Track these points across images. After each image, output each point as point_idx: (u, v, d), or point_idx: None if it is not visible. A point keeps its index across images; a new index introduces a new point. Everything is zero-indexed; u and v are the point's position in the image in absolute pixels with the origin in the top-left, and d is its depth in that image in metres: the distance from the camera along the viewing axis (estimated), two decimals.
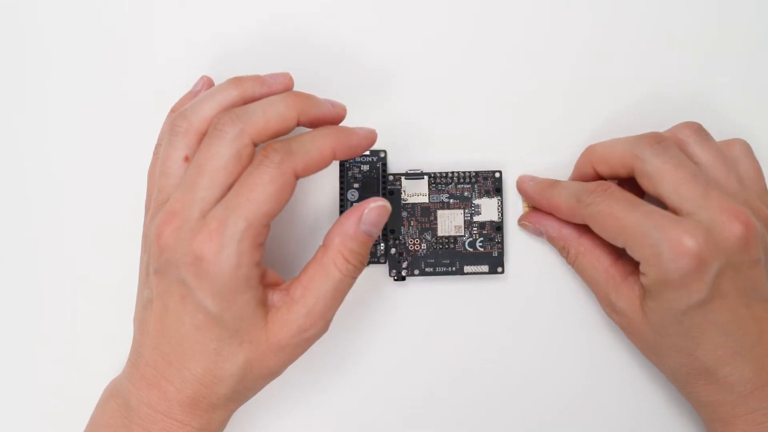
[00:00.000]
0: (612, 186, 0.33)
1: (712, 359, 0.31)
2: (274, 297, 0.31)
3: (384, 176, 0.37)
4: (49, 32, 0.40)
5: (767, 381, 0.31)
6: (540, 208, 0.37)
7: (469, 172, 0.37)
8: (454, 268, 0.37)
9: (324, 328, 0.31)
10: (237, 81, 0.32)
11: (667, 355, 0.33)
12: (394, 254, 0.37)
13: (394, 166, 0.38)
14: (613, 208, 0.32)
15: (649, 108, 0.38)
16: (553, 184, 0.36)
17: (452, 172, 0.37)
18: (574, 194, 0.34)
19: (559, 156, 0.38)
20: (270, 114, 0.30)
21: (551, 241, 0.37)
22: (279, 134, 0.31)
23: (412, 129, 0.39)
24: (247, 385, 0.31)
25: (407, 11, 0.39)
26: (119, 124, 0.39)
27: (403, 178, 0.37)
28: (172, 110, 0.36)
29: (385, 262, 0.37)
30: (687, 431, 0.37)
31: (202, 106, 0.31)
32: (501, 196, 0.37)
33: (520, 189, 0.38)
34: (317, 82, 0.39)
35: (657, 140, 0.32)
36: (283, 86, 0.33)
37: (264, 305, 0.30)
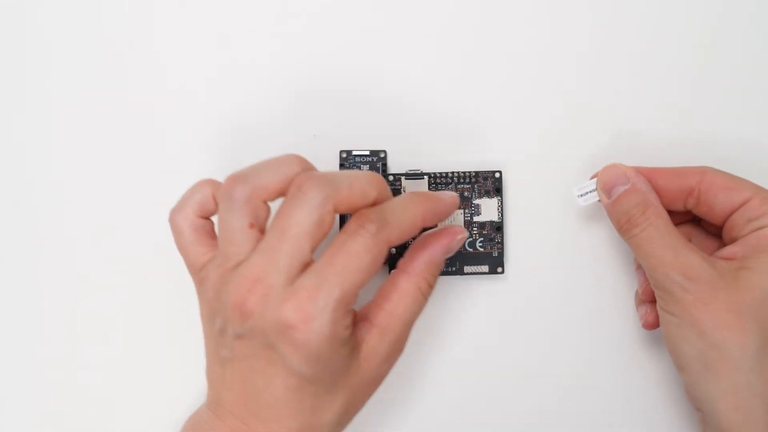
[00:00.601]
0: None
1: None
2: (360, 333, 0.31)
3: (384, 176, 0.37)
4: (49, 33, 0.40)
5: None
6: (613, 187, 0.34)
7: (469, 172, 0.37)
8: (454, 268, 0.37)
9: (402, 352, 0.32)
10: (300, 158, 0.31)
11: (759, 321, 0.30)
12: (395, 254, 0.37)
13: (394, 166, 0.38)
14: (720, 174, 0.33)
15: (649, 107, 0.38)
16: (636, 171, 0.34)
17: (452, 172, 0.37)
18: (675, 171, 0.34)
19: (560, 156, 0.38)
20: (355, 186, 0.30)
21: (630, 194, 0.33)
22: (358, 208, 0.30)
23: (412, 129, 0.39)
24: (343, 425, 0.32)
25: (408, 10, 0.39)
26: (120, 124, 0.39)
27: (403, 178, 0.37)
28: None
29: (385, 263, 0.37)
30: (686, 429, 0.37)
31: (263, 174, 0.30)
32: (501, 196, 0.37)
33: (637, 172, 0.34)
34: (317, 82, 0.39)
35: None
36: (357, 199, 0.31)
37: (356, 348, 0.30)
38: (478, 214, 0.37)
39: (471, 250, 0.37)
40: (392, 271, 0.32)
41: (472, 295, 0.38)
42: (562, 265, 0.38)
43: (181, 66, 0.39)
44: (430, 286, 0.32)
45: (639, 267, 0.36)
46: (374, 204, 0.30)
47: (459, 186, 0.37)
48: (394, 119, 0.39)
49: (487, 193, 0.37)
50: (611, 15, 0.39)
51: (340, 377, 0.30)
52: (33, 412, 0.38)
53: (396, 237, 0.30)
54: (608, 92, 0.39)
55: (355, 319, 0.31)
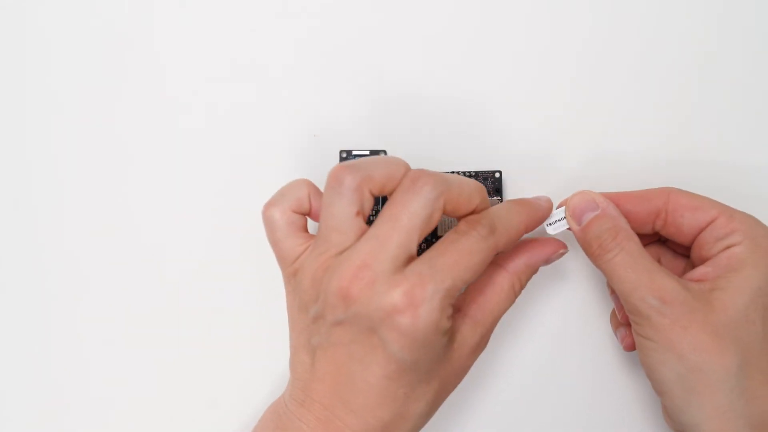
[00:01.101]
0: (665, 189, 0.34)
1: None
2: (455, 324, 0.31)
3: None
4: (49, 32, 0.40)
5: None
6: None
7: (469, 172, 0.37)
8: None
9: (486, 344, 0.33)
10: (407, 163, 0.32)
11: (738, 344, 0.30)
12: None
13: None
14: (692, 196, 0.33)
15: (650, 107, 0.38)
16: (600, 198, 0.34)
17: (452, 172, 0.37)
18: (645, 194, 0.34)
19: (560, 156, 0.38)
20: (464, 190, 0.30)
21: (598, 221, 0.33)
22: (463, 213, 0.31)
23: (412, 129, 0.39)
24: (430, 416, 0.32)
25: (408, 11, 0.39)
26: (119, 123, 0.39)
27: None
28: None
29: None
30: None
31: (373, 167, 0.31)
32: (501, 196, 0.37)
33: (603, 198, 0.33)
34: (317, 82, 0.39)
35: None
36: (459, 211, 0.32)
37: (451, 338, 0.31)
38: None
39: None
40: (489, 267, 0.33)
41: None
42: (562, 266, 0.38)
43: (181, 66, 0.39)
44: (522, 287, 0.33)
45: (613, 292, 0.36)
46: (474, 212, 0.31)
47: None
48: (394, 119, 0.39)
49: (488, 193, 0.37)
50: (612, 15, 0.39)
51: (435, 367, 0.30)
52: (33, 411, 0.38)
53: (504, 243, 0.31)
54: (608, 92, 0.39)
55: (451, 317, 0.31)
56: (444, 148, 0.39)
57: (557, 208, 0.34)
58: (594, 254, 0.33)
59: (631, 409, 0.37)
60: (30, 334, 0.39)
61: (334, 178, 0.30)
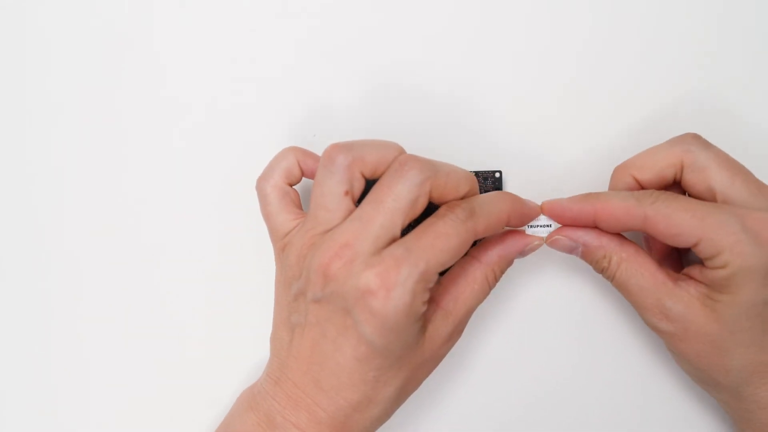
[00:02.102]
0: (668, 191, 0.32)
1: None
2: (428, 313, 0.31)
3: None
4: (49, 32, 0.40)
5: None
6: (578, 221, 0.33)
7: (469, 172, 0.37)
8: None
9: (460, 336, 0.33)
10: (400, 146, 0.32)
11: (734, 354, 0.31)
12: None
13: None
14: (683, 203, 0.31)
15: (650, 107, 0.38)
16: (595, 193, 0.33)
17: None
18: (630, 195, 0.32)
19: (560, 156, 0.38)
20: (452, 177, 0.31)
21: (589, 253, 0.33)
22: (448, 198, 0.31)
23: (412, 129, 0.39)
24: (399, 402, 0.32)
25: (407, 11, 0.39)
26: (120, 124, 0.39)
27: None
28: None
29: None
30: (685, 427, 0.37)
31: (365, 149, 0.31)
32: None
33: (553, 207, 0.34)
34: (317, 82, 0.39)
35: (699, 137, 0.33)
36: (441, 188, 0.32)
37: (423, 326, 0.31)
38: None
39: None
40: (463, 257, 0.33)
41: None
42: (562, 266, 0.38)
43: (181, 66, 0.39)
44: (496, 280, 0.33)
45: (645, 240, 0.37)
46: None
47: None
48: (394, 119, 0.39)
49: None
50: (612, 14, 0.39)
51: (406, 353, 0.30)
52: (33, 411, 0.38)
53: (483, 228, 0.30)
54: (608, 92, 0.39)
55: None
56: (444, 148, 0.39)
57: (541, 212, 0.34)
58: (599, 272, 0.34)
59: (653, 391, 0.37)
60: (30, 334, 0.39)
61: (327, 157, 0.31)
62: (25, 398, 0.38)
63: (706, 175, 0.32)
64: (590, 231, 0.33)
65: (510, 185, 0.38)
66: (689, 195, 0.33)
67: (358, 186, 0.31)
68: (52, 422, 0.38)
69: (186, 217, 0.39)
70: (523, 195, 0.37)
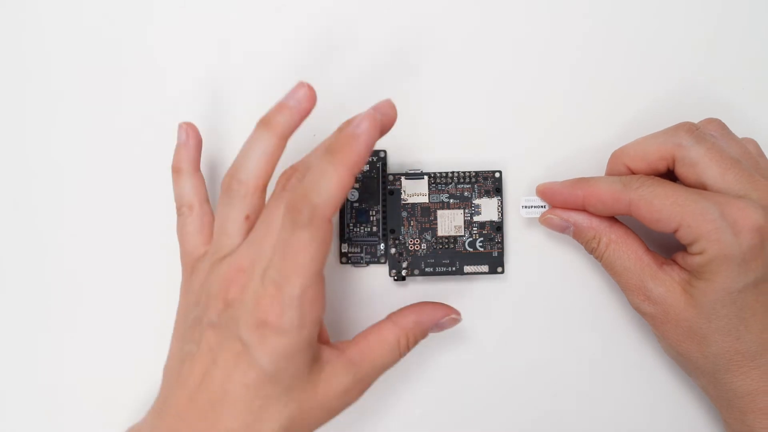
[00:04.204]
0: (655, 176, 0.33)
1: (759, 342, 0.31)
2: (327, 353, 0.31)
3: (384, 176, 0.37)
4: (49, 33, 0.40)
5: None
6: (568, 204, 0.35)
7: (469, 172, 0.37)
8: (454, 268, 0.37)
9: (359, 396, 0.32)
10: (267, 124, 0.32)
11: (711, 341, 0.32)
12: (394, 254, 0.37)
13: (394, 166, 0.38)
14: (666, 189, 0.32)
15: (649, 107, 0.39)
16: (586, 178, 0.35)
17: (452, 172, 0.37)
18: (617, 180, 0.33)
19: (560, 156, 0.38)
20: (332, 191, 0.28)
21: (580, 233, 0.35)
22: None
23: (412, 129, 0.39)
24: None
25: (407, 11, 0.39)
26: (120, 124, 0.39)
27: (403, 178, 0.37)
28: (174, 170, 0.35)
29: (385, 262, 0.37)
30: (690, 428, 0.37)
31: (248, 164, 0.32)
32: (501, 196, 0.37)
33: (545, 190, 0.35)
34: (316, 82, 0.39)
35: (693, 129, 0.33)
36: (308, 101, 0.32)
37: (318, 362, 0.31)
38: (478, 214, 0.37)
39: (471, 249, 0.37)
40: (381, 321, 0.33)
41: (472, 295, 0.38)
42: (562, 266, 0.38)
43: (180, 64, 0.39)
44: (408, 347, 0.33)
45: None
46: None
47: (459, 186, 0.37)
48: None
49: (487, 193, 0.37)
50: (611, 14, 0.39)
51: (296, 383, 0.30)
52: (33, 411, 0.38)
53: (331, 210, 0.28)
54: (610, 92, 0.39)
55: (328, 346, 0.32)
56: (444, 148, 0.39)
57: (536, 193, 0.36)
58: (589, 251, 0.35)
59: (658, 387, 0.37)
60: (29, 334, 0.39)
61: (225, 186, 0.32)
62: (25, 398, 0.38)
63: (697, 170, 0.32)
64: (582, 212, 0.35)
65: (510, 185, 0.38)
66: (683, 184, 0.33)
67: (260, 206, 0.32)
68: (52, 422, 0.38)
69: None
70: (524, 195, 0.38)
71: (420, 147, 0.39)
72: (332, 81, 0.39)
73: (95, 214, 0.39)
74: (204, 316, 0.31)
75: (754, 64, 0.39)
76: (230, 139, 0.39)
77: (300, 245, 0.28)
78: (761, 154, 0.35)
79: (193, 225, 0.34)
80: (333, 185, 0.28)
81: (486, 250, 0.37)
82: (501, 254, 0.37)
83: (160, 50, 0.39)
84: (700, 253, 0.31)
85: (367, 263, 0.37)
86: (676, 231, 0.31)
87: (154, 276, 0.39)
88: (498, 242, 0.37)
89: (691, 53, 0.39)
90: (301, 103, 0.31)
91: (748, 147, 0.34)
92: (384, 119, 0.30)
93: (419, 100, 0.39)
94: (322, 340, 0.32)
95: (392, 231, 0.37)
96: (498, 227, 0.37)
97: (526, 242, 0.38)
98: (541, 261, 0.38)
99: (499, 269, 0.37)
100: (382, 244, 0.37)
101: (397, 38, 0.39)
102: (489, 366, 0.38)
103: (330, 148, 0.29)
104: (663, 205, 0.31)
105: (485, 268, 0.37)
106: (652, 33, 0.39)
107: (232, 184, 0.32)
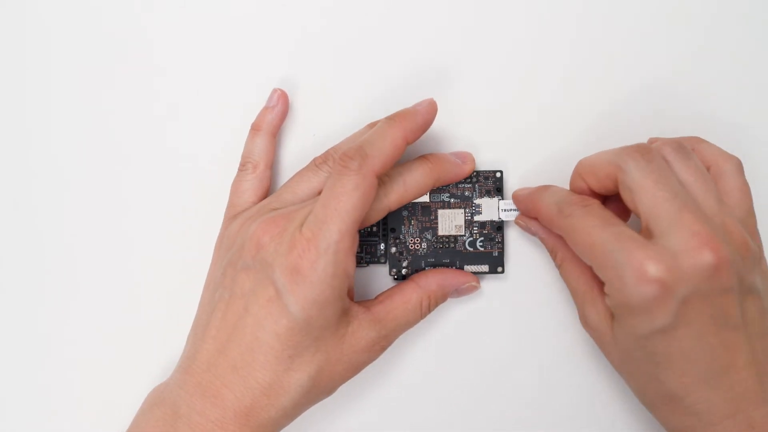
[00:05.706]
0: (593, 202, 0.32)
1: (678, 386, 0.30)
2: (356, 310, 0.32)
3: None
4: (50, 33, 0.40)
5: (738, 409, 0.29)
6: (529, 214, 0.35)
7: None
8: (454, 268, 0.37)
9: (381, 353, 0.33)
10: (391, 120, 0.33)
11: (634, 377, 0.32)
12: (395, 253, 0.37)
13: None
14: (587, 224, 0.31)
15: (649, 107, 0.39)
16: (544, 188, 0.34)
17: None
18: (556, 203, 0.32)
19: (560, 156, 0.38)
20: (409, 182, 0.33)
21: (542, 242, 0.36)
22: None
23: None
24: (308, 399, 0.31)
25: (406, 10, 0.39)
26: (120, 124, 0.39)
27: None
28: (253, 126, 0.37)
29: (385, 262, 0.37)
30: None
31: (374, 146, 0.31)
32: (502, 196, 0.37)
33: (514, 196, 0.36)
34: (317, 82, 0.39)
35: (642, 153, 0.31)
36: (434, 112, 0.34)
37: (347, 315, 0.31)
38: (479, 213, 0.37)
39: (471, 249, 0.37)
40: (404, 281, 0.35)
41: (472, 295, 0.38)
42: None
43: (181, 65, 0.39)
44: (430, 308, 0.34)
45: None
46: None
47: (459, 186, 0.37)
48: None
49: (488, 193, 0.37)
50: (608, 13, 0.39)
51: (326, 334, 0.30)
52: (33, 411, 0.38)
53: (380, 165, 0.31)
54: (610, 92, 0.39)
55: (354, 303, 0.32)
56: (444, 148, 0.39)
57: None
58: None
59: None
60: (29, 334, 0.38)
61: (324, 158, 0.34)
62: (24, 398, 0.38)
63: (633, 197, 0.30)
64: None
65: (510, 185, 0.38)
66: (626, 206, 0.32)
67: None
68: (51, 422, 0.38)
69: (187, 217, 0.39)
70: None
71: (420, 147, 0.39)
72: (332, 79, 0.39)
73: (95, 214, 0.39)
74: (239, 260, 0.31)
75: (753, 69, 0.39)
76: (232, 136, 0.39)
77: (343, 190, 0.29)
78: (736, 172, 0.32)
79: (251, 183, 0.35)
80: (387, 142, 0.31)
81: (486, 250, 0.37)
82: (501, 254, 0.37)
83: (160, 50, 0.39)
84: (608, 296, 0.31)
85: (368, 263, 0.37)
86: (591, 268, 0.31)
87: (155, 276, 0.38)
88: (498, 242, 0.37)
89: (690, 49, 0.39)
90: (430, 114, 0.34)
91: (723, 165, 0.32)
92: (428, 116, 0.33)
93: (419, 100, 0.39)
94: (349, 296, 0.33)
95: (393, 230, 0.37)
96: (498, 227, 0.37)
97: (526, 242, 0.38)
98: (541, 261, 0.38)
99: (499, 269, 0.37)
100: (383, 244, 0.37)
101: (397, 39, 0.39)
102: (489, 366, 0.38)
103: (391, 116, 0.33)
104: (580, 242, 0.31)
105: (485, 267, 0.37)
106: (652, 32, 0.39)
107: (339, 159, 0.31)
